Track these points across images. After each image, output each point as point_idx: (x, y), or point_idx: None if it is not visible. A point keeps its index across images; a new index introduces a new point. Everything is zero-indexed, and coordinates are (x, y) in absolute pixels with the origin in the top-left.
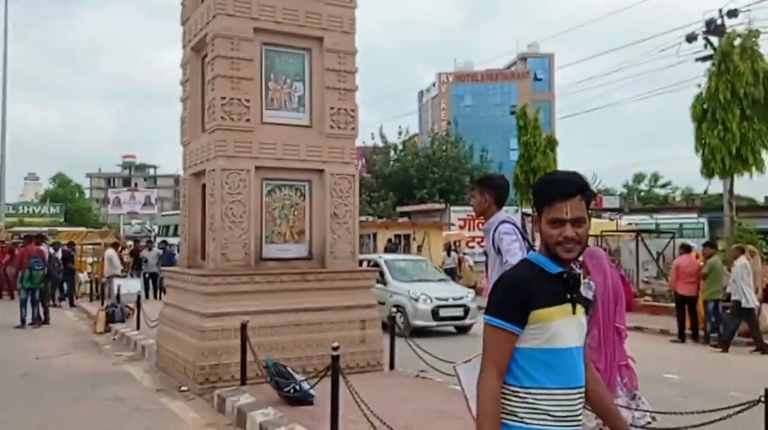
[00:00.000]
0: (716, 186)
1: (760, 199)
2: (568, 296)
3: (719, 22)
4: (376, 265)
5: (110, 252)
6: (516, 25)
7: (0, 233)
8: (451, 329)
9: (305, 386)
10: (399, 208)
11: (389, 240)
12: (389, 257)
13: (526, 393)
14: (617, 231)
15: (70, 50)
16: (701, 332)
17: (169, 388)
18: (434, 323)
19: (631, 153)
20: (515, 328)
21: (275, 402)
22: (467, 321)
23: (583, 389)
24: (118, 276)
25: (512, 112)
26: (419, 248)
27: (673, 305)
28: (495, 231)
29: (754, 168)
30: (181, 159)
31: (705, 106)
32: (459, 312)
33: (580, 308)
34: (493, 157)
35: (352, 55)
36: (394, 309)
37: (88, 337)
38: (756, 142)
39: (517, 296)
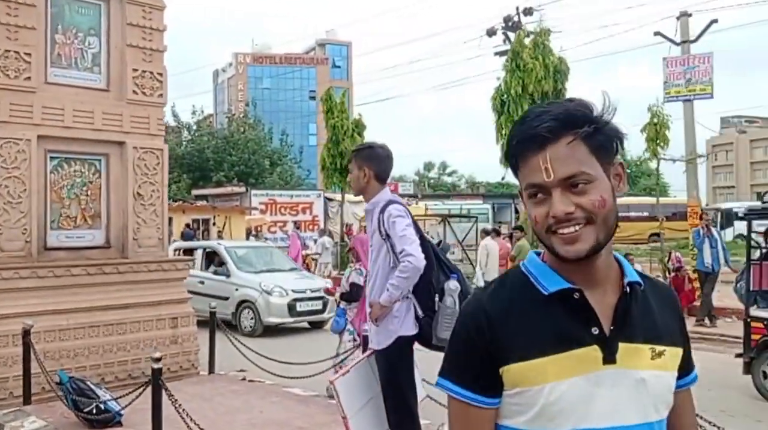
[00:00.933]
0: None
1: None
2: (595, 332)
3: (516, 19)
4: (215, 253)
5: None
6: (313, 10)
7: None
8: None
9: (113, 405)
10: (195, 192)
11: (187, 225)
12: (230, 243)
13: None
14: (425, 215)
15: None
16: None
17: None
18: (290, 320)
19: (423, 142)
20: (481, 399)
21: (72, 425)
22: (325, 315)
23: None
24: None
25: (311, 97)
26: (219, 234)
27: (480, 286)
28: (382, 212)
29: None
30: None
31: (504, 98)
32: (318, 305)
33: (635, 351)
34: (293, 141)
35: (160, 10)
36: (238, 306)
37: None
38: None
39: (472, 344)
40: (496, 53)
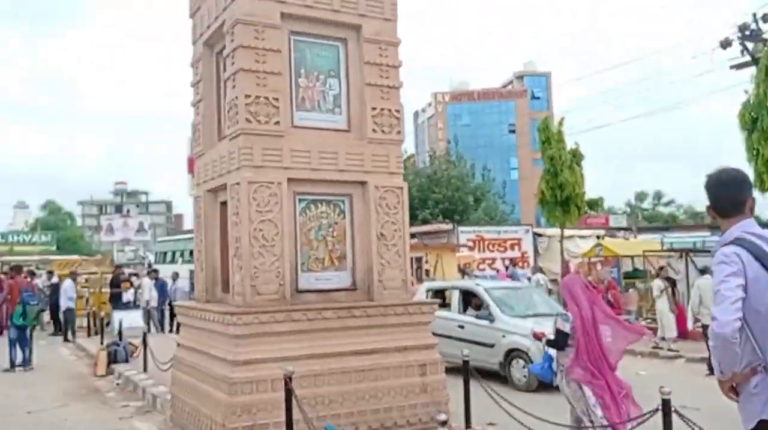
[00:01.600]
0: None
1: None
2: None
3: (753, 26)
4: (472, 293)
5: (68, 283)
6: (511, 43)
7: None
8: None
9: None
10: None
11: None
12: (488, 284)
13: None
14: (662, 250)
15: (58, 72)
16: None
17: None
18: None
19: (630, 171)
20: None
21: None
22: None
23: None
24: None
25: (511, 131)
26: (427, 272)
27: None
28: None
29: None
30: (175, 183)
31: (753, 114)
32: None
33: None
34: (494, 176)
35: (395, 46)
36: (507, 355)
37: (87, 381)
38: None
39: None
40: (732, 66)
